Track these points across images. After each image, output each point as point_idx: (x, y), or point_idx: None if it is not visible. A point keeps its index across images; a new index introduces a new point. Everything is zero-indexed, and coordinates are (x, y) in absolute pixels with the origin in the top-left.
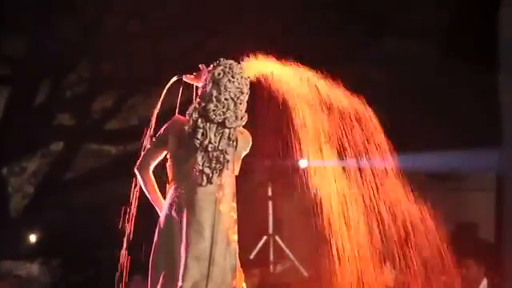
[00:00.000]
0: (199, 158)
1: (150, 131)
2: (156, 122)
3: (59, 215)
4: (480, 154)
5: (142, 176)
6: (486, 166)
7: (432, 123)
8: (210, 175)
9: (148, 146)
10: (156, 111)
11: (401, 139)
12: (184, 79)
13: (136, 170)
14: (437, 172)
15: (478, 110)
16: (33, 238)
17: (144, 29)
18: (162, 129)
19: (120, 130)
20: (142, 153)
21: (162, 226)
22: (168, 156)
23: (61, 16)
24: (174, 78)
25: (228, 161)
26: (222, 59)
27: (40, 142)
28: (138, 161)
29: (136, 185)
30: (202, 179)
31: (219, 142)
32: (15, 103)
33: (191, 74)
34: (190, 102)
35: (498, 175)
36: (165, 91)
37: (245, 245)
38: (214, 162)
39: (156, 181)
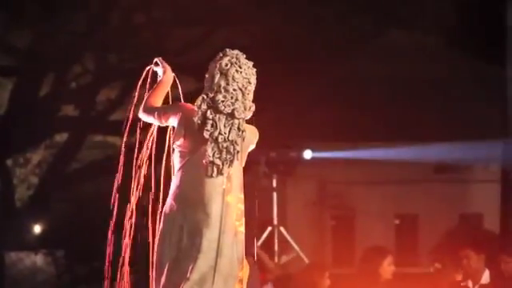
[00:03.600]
0: (209, 150)
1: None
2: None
3: (64, 206)
4: (484, 145)
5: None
6: (490, 158)
7: (436, 115)
8: (221, 166)
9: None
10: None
11: (406, 131)
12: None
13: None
14: (442, 163)
15: (482, 102)
16: (37, 229)
17: (149, 21)
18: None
19: (125, 121)
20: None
21: (167, 216)
22: (173, 146)
23: (66, 8)
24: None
25: (238, 151)
26: (227, 49)
27: (44, 133)
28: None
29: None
30: (213, 170)
31: (229, 133)
32: (20, 94)
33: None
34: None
35: (503, 167)
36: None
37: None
38: (225, 152)
39: (157, 178)
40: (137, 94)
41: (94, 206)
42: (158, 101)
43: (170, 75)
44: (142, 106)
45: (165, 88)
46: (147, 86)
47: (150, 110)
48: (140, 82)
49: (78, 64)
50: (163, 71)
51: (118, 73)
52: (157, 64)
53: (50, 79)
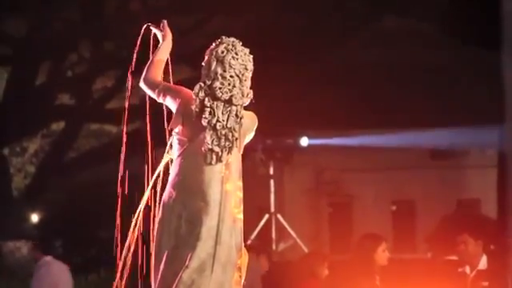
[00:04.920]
0: (208, 137)
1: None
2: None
3: (60, 195)
4: (481, 131)
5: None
6: (487, 143)
7: (432, 101)
8: (220, 153)
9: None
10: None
11: (402, 117)
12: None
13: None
14: (438, 149)
15: (478, 88)
16: (35, 218)
17: (144, 9)
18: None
19: (121, 109)
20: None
21: (165, 204)
22: (173, 133)
23: None
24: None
25: (237, 138)
26: (223, 37)
27: (41, 122)
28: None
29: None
30: (212, 158)
31: (227, 120)
32: (16, 84)
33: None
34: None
35: (500, 152)
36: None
37: (247, 223)
38: (223, 140)
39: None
40: (130, 81)
41: (91, 194)
42: (158, 72)
43: (170, 41)
44: (143, 75)
45: (164, 55)
46: (150, 48)
47: (151, 84)
48: (132, 69)
49: (74, 53)
50: (163, 36)
51: (114, 61)
52: (157, 26)
53: (46, 68)
